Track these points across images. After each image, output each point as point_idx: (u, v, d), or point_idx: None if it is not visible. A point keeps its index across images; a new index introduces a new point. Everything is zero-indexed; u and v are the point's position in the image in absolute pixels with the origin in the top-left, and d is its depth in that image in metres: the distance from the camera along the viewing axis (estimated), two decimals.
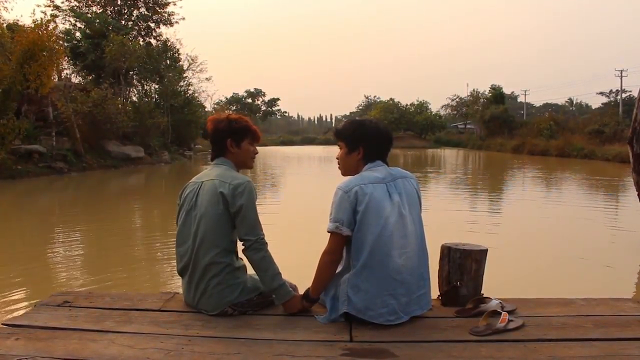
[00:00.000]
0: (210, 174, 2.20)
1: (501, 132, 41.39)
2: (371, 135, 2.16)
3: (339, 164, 2.27)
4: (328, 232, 2.07)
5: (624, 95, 42.82)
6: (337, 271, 2.13)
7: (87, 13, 28.27)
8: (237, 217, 2.09)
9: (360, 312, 1.98)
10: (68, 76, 25.09)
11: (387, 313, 1.98)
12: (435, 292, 2.35)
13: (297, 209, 10.31)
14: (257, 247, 2.10)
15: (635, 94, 6.82)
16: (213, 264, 2.10)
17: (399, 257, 2.01)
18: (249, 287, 2.17)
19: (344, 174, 2.22)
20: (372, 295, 1.98)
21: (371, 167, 2.14)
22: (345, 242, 2.08)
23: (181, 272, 2.23)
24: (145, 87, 29.51)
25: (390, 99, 63.06)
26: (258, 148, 2.37)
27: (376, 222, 2.00)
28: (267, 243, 2.14)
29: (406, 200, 2.09)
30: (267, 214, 9.28)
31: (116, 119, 21.57)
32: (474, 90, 52.34)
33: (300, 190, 15.20)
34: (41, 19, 16.55)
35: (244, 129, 2.24)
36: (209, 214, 2.10)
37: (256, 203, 2.17)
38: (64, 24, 26.79)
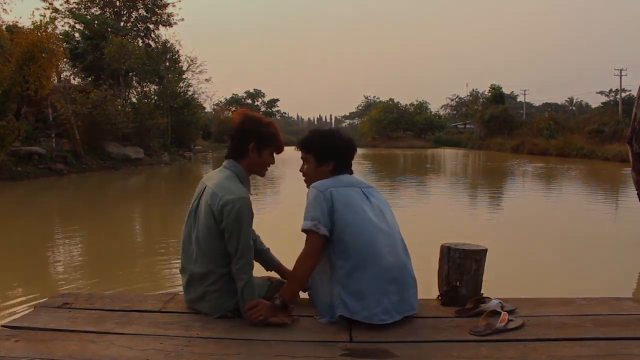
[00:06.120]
0: (213, 179, 2.09)
1: (501, 131, 41.45)
2: (342, 147, 2.16)
3: (305, 178, 2.20)
4: (303, 231, 2.01)
5: (623, 95, 42.85)
6: (326, 274, 2.07)
7: (86, 15, 28.26)
8: (224, 235, 2.01)
9: (354, 313, 1.96)
10: (67, 78, 25.11)
11: (381, 312, 1.96)
12: (435, 292, 2.36)
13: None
14: (238, 277, 1.99)
15: (635, 93, 6.83)
16: (210, 273, 2.06)
17: (388, 254, 2.01)
18: None
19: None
20: (366, 295, 1.96)
21: (339, 177, 2.13)
22: (324, 243, 2.01)
23: (181, 272, 2.22)
24: (145, 89, 29.49)
25: (390, 99, 62.99)
26: None
27: (358, 222, 2.00)
28: (249, 268, 1.99)
29: (383, 204, 2.13)
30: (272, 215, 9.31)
31: (116, 120, 21.54)
32: (473, 90, 52.66)
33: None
34: (40, 20, 16.53)
35: (272, 136, 2.09)
36: (204, 226, 2.04)
37: (249, 222, 2.01)
38: (63, 25, 26.82)
